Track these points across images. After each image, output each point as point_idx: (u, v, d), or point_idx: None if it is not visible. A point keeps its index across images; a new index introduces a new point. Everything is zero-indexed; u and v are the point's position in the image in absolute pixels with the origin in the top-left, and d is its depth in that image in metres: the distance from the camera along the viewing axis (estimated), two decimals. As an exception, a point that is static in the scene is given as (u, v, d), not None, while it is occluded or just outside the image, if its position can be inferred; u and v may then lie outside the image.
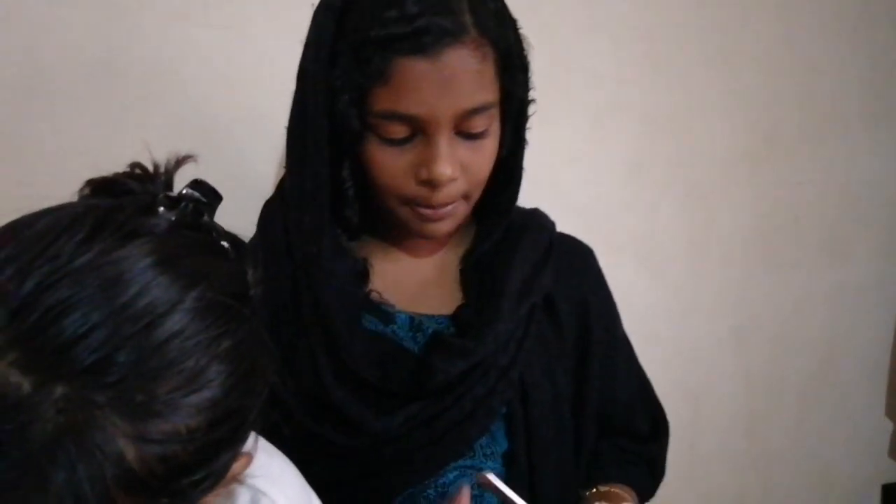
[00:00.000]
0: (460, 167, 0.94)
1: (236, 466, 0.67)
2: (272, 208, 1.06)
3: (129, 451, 0.56)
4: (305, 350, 1.02)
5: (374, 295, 1.05)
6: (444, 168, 0.92)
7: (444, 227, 0.99)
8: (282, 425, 0.81)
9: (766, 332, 1.91)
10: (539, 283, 1.07)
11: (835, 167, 1.91)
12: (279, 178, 1.05)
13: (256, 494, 0.79)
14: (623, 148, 1.67)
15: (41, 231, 0.59)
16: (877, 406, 2.04)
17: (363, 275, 1.05)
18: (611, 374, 1.15)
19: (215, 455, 0.62)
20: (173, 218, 0.64)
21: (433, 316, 1.06)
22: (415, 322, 1.05)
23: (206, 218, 0.67)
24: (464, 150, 0.94)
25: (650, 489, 1.21)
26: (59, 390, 0.55)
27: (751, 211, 1.84)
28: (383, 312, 1.05)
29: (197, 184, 0.68)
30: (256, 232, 1.06)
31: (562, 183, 1.61)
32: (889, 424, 2.04)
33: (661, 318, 1.79)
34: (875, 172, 1.95)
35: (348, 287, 1.03)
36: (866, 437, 2.04)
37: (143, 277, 0.59)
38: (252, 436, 0.73)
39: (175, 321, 0.59)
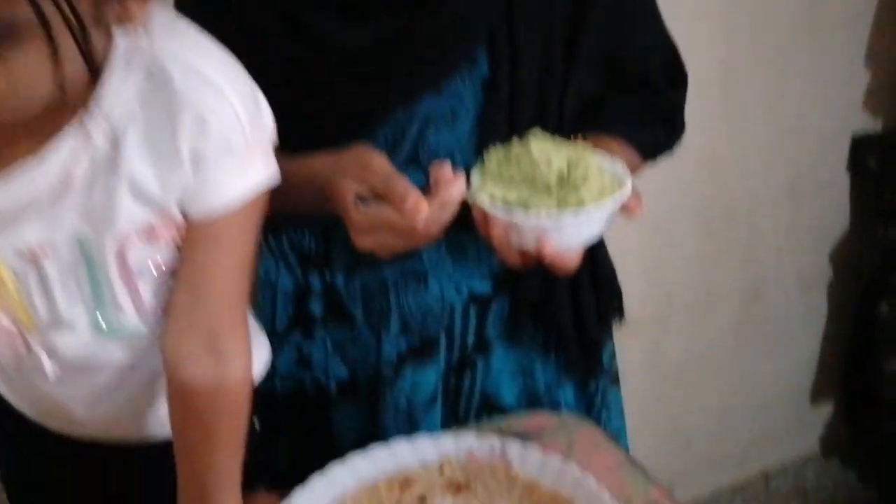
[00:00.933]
0: None
1: None
2: None
3: None
4: None
5: None
6: None
7: None
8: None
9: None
10: None
11: None
12: None
13: (203, 86, 0.76)
14: None
15: None
16: (857, 57, 2.00)
17: None
18: (621, 16, 1.09)
19: None
20: None
21: None
22: None
23: None
24: None
25: (664, 144, 1.16)
26: None
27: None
28: None
29: None
30: None
31: None
32: (867, 75, 2.01)
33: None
34: None
35: None
36: (842, 87, 2.01)
37: None
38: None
39: None
